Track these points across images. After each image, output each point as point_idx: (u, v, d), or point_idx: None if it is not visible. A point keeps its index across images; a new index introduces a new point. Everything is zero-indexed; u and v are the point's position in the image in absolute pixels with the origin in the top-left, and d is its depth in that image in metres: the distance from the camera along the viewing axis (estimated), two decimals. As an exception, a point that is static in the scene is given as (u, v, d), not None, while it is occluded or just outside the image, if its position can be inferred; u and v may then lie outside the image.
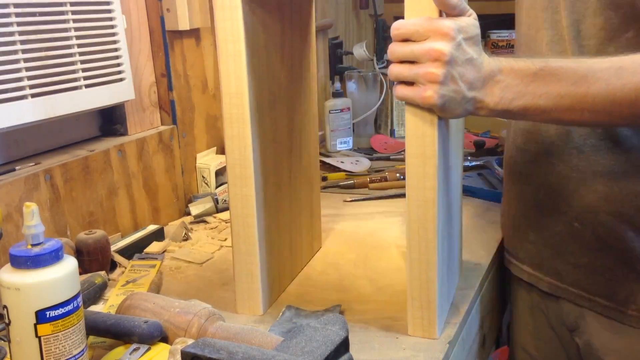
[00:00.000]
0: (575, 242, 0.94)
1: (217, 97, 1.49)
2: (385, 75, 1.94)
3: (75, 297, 0.67)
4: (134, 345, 0.75)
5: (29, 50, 1.00)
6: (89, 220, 1.14)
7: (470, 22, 0.73)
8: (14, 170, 1.03)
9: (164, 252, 1.15)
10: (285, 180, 0.99)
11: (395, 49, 0.73)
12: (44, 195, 1.05)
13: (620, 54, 0.76)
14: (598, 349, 0.95)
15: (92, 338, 0.79)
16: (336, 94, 1.84)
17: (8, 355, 0.69)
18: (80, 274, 0.91)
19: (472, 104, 0.75)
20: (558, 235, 0.96)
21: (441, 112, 0.73)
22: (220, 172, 1.44)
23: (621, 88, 0.74)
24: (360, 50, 1.99)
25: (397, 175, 1.51)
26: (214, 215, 1.32)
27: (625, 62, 0.75)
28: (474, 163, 1.60)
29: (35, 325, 0.65)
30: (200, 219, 1.32)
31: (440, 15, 0.72)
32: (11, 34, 0.97)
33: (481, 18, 0.77)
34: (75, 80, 1.09)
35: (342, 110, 1.81)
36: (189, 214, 1.34)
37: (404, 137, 1.92)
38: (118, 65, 1.18)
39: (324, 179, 1.56)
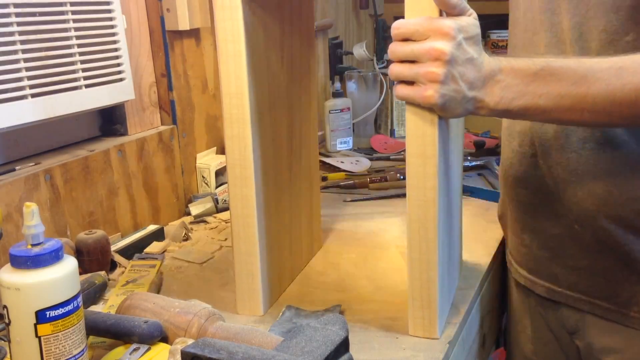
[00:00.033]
0: (575, 245, 0.94)
1: (217, 97, 1.49)
2: (385, 75, 1.94)
3: (75, 297, 0.67)
4: (134, 345, 0.75)
5: (29, 50, 1.00)
6: (89, 220, 1.14)
7: (470, 21, 0.73)
8: (14, 170, 1.03)
9: (164, 252, 1.15)
10: (285, 181, 0.99)
11: (395, 49, 0.73)
12: (44, 195, 1.05)
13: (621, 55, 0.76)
14: (599, 351, 0.95)
15: (92, 338, 0.79)
16: (336, 94, 1.84)
17: (8, 355, 0.69)
18: (80, 274, 0.91)
19: (472, 104, 0.75)
20: (556, 238, 0.96)
21: (441, 112, 0.73)
22: (220, 172, 1.44)
23: (621, 88, 0.74)
24: (360, 50, 1.99)
25: (397, 175, 1.51)
26: (214, 215, 1.32)
27: (626, 62, 0.75)
28: (474, 163, 1.60)
29: (35, 325, 0.65)
30: (200, 219, 1.32)
31: (441, 14, 0.72)
32: (11, 34, 0.97)
33: (481, 18, 0.77)
34: (75, 80, 1.09)
35: (342, 110, 1.81)
36: (189, 214, 1.34)
37: (404, 137, 1.92)
38: (118, 65, 1.18)
39: (324, 179, 1.56)
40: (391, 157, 1.76)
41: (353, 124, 1.87)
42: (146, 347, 0.74)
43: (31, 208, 0.65)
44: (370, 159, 1.72)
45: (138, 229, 1.23)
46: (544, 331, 1.04)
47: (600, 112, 0.76)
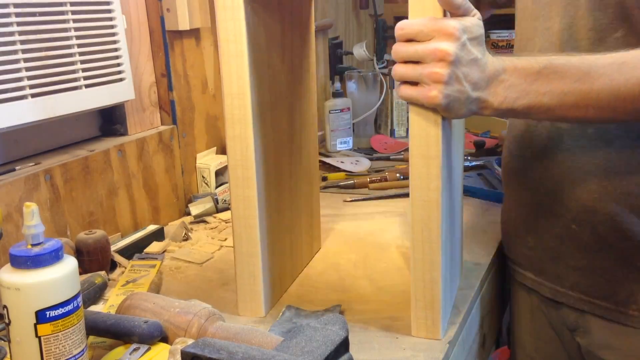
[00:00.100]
0: (574, 245, 0.94)
1: (217, 97, 1.49)
2: (385, 75, 1.94)
3: (75, 297, 0.67)
4: (134, 345, 0.75)
5: (29, 50, 1.00)
6: (89, 220, 1.14)
7: (474, 22, 0.73)
8: (14, 170, 1.03)
9: (164, 252, 1.15)
10: (286, 181, 0.99)
11: (399, 49, 0.73)
12: (44, 195, 1.05)
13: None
14: (599, 349, 0.95)
15: (92, 338, 0.79)
16: (336, 94, 1.84)
17: (8, 355, 0.69)
18: (80, 274, 0.91)
19: (476, 104, 0.75)
20: (556, 238, 0.96)
21: (445, 112, 0.73)
22: (220, 172, 1.44)
23: (625, 83, 0.74)
24: (360, 50, 1.99)
25: (397, 175, 1.51)
26: (214, 215, 1.33)
27: (627, 57, 0.75)
28: (474, 163, 1.60)
29: (35, 325, 0.65)
30: (200, 219, 1.32)
31: (445, 15, 0.72)
32: (11, 34, 0.97)
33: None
34: (75, 80, 1.09)
35: (342, 110, 1.81)
36: (189, 214, 1.34)
37: (404, 137, 1.94)
38: (118, 65, 1.18)
39: (324, 179, 1.56)
40: (391, 157, 1.76)
41: (353, 124, 1.87)
42: (146, 347, 0.74)
43: (31, 208, 0.65)
44: (370, 159, 1.72)
45: (138, 229, 1.23)
46: (546, 329, 1.04)
47: (604, 108, 0.76)
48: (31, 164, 1.06)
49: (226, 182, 1.45)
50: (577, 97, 0.75)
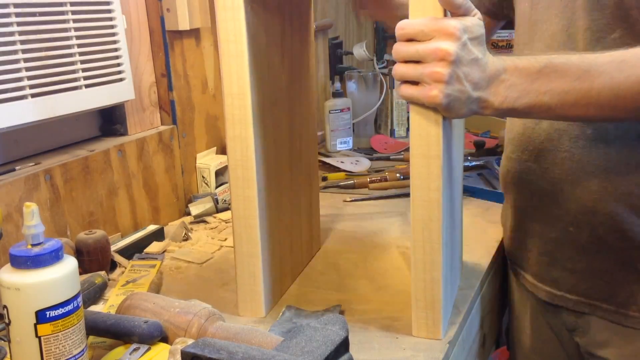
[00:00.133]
0: (572, 247, 0.94)
1: (217, 97, 1.49)
2: (385, 75, 1.94)
3: (75, 297, 0.67)
4: (134, 345, 0.75)
5: (29, 50, 1.00)
6: (89, 220, 1.14)
7: (475, 22, 0.73)
8: (14, 170, 1.03)
9: (164, 252, 1.15)
10: (286, 181, 0.99)
11: (400, 49, 0.73)
12: (44, 195, 1.05)
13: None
14: (599, 348, 0.95)
15: (92, 338, 0.79)
16: (336, 94, 1.84)
17: (8, 355, 0.69)
18: (80, 274, 0.91)
19: (476, 104, 0.75)
20: (554, 241, 0.96)
21: (446, 112, 0.73)
22: (220, 172, 1.44)
23: (624, 81, 0.74)
24: (360, 50, 1.99)
25: (397, 175, 1.51)
26: (214, 215, 1.33)
27: (627, 55, 0.75)
28: (474, 163, 1.60)
29: (35, 325, 0.65)
30: (200, 219, 1.32)
31: (445, 15, 0.72)
32: (11, 34, 0.97)
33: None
34: (75, 80, 1.09)
35: (342, 110, 1.81)
36: (189, 214, 1.34)
37: (404, 137, 1.94)
38: (118, 65, 1.18)
39: (324, 179, 1.56)
40: (391, 157, 1.76)
41: (353, 124, 1.87)
42: (146, 347, 0.74)
43: (31, 208, 0.65)
44: (370, 159, 1.72)
45: (138, 229, 1.23)
46: (544, 329, 1.04)
47: (604, 106, 0.76)
48: (31, 164, 1.06)
49: (226, 182, 1.45)
50: (577, 96, 0.75)
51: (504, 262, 1.15)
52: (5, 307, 0.66)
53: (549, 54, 0.86)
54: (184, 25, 1.31)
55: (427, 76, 0.71)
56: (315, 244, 1.14)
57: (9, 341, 0.67)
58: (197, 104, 1.43)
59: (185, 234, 1.23)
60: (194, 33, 1.40)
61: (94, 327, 0.77)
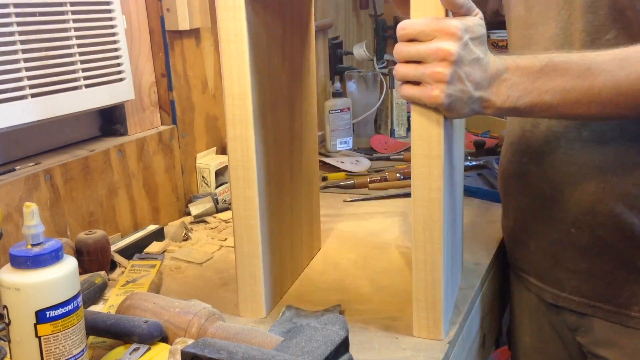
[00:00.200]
0: (573, 249, 0.94)
1: (217, 97, 1.49)
2: (385, 75, 1.94)
3: (75, 297, 0.67)
4: (134, 345, 0.75)
5: (29, 50, 1.00)
6: (89, 220, 1.14)
7: (476, 21, 0.73)
8: (14, 170, 1.03)
9: (164, 252, 1.15)
10: (286, 181, 0.99)
11: (401, 49, 0.73)
12: (44, 195, 1.05)
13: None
14: (602, 348, 0.95)
15: (92, 338, 0.79)
16: (336, 94, 1.85)
17: (8, 355, 0.69)
18: (80, 274, 0.91)
19: (478, 104, 0.74)
20: (556, 243, 0.96)
21: (447, 112, 0.73)
22: (220, 172, 1.44)
23: (626, 78, 0.74)
24: (360, 50, 1.99)
25: (397, 175, 1.51)
26: (214, 215, 1.33)
27: (628, 53, 0.75)
28: (474, 163, 1.60)
29: (35, 325, 0.65)
30: (200, 219, 1.32)
31: (446, 14, 0.72)
32: (11, 34, 0.97)
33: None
34: (75, 80, 1.09)
35: (342, 110, 1.81)
36: (189, 214, 1.34)
37: (404, 137, 1.94)
38: (118, 65, 1.18)
39: (324, 179, 1.56)
40: (391, 157, 1.76)
41: (353, 124, 1.87)
42: (146, 347, 0.74)
43: (31, 208, 0.65)
44: (370, 159, 1.72)
45: (138, 229, 1.23)
46: (546, 329, 1.04)
47: (606, 104, 0.76)
48: (31, 164, 1.06)
49: (226, 182, 1.45)
50: (579, 94, 0.75)
51: (504, 262, 1.15)
52: (5, 307, 0.66)
53: (550, 52, 0.86)
54: (184, 25, 1.31)
55: (429, 76, 0.71)
56: (316, 244, 1.14)
57: (9, 341, 0.67)
58: (197, 104, 1.43)
59: (185, 234, 1.23)
60: (194, 33, 1.40)
61: (94, 327, 0.77)
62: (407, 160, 1.70)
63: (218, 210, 1.33)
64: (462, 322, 0.89)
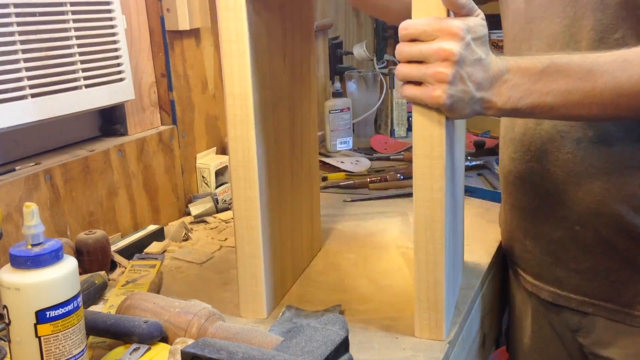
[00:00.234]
0: (576, 247, 0.94)
1: (217, 97, 1.49)
2: (385, 75, 1.94)
3: (75, 297, 0.67)
4: (134, 345, 0.75)
5: (29, 50, 1.00)
6: (89, 220, 1.14)
7: (478, 22, 0.73)
8: (14, 170, 1.03)
9: (164, 252, 1.15)
10: (287, 181, 0.99)
11: (403, 49, 0.73)
12: (44, 195, 1.05)
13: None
14: (603, 348, 0.95)
15: (92, 338, 0.79)
16: (336, 94, 1.85)
17: (8, 355, 0.69)
18: (80, 274, 0.91)
19: (480, 104, 0.74)
20: (557, 241, 0.96)
21: (449, 113, 0.73)
22: (220, 172, 1.44)
23: (627, 80, 0.74)
24: (360, 50, 1.99)
25: (397, 175, 1.51)
26: (214, 215, 1.32)
27: (629, 54, 0.75)
28: (474, 163, 1.60)
29: (35, 325, 0.65)
30: (200, 219, 1.32)
31: (448, 15, 0.72)
32: (11, 34, 0.97)
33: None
34: (75, 80, 1.09)
35: (342, 110, 1.81)
36: (189, 214, 1.34)
37: (404, 137, 1.94)
38: (118, 65, 1.18)
39: (324, 179, 1.56)
40: (391, 157, 1.76)
41: (353, 124, 1.87)
42: (146, 347, 0.74)
43: (31, 208, 0.65)
44: (370, 159, 1.72)
45: (138, 229, 1.23)
46: (547, 329, 1.04)
47: (608, 106, 0.76)
48: (31, 164, 1.06)
49: (226, 182, 1.45)
50: (580, 96, 0.75)
51: (504, 262, 1.15)
52: (5, 307, 0.66)
53: (551, 53, 0.85)
54: (184, 25, 1.31)
55: (431, 76, 0.71)
56: (316, 245, 1.14)
57: (9, 341, 0.67)
58: (197, 104, 1.43)
59: (185, 234, 1.23)
60: (194, 33, 1.40)
61: (94, 327, 0.77)
62: (407, 160, 1.70)
63: (218, 210, 1.33)
64: (462, 322, 0.89)
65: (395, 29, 0.74)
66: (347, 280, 1.03)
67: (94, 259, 1.02)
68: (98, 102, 1.14)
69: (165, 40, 1.31)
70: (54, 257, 0.66)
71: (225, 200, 1.38)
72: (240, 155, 0.85)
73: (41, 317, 0.65)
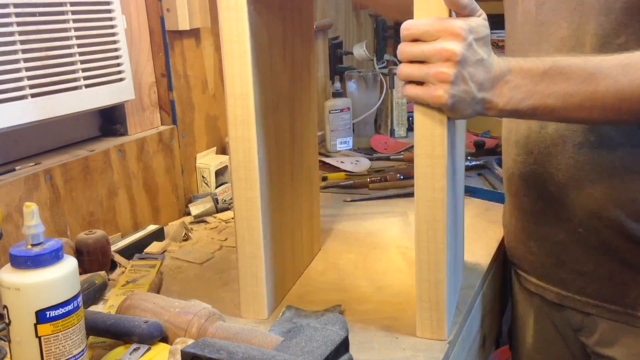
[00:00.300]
0: (580, 249, 0.94)
1: (217, 97, 1.49)
2: (385, 75, 1.94)
3: (75, 297, 0.67)
4: (134, 345, 0.75)
5: (29, 50, 1.00)
6: (89, 220, 1.14)
7: (480, 22, 0.73)
8: (14, 170, 1.03)
9: (164, 252, 1.15)
10: (287, 182, 0.98)
11: (405, 49, 0.73)
12: (44, 195, 1.05)
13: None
14: (606, 347, 0.95)
15: (92, 338, 0.79)
16: (336, 94, 1.84)
17: (8, 355, 0.69)
18: (80, 274, 0.91)
19: (481, 105, 0.74)
20: (561, 243, 0.96)
21: (450, 113, 0.73)
22: (220, 172, 1.44)
23: (629, 84, 0.74)
24: (360, 50, 1.99)
25: (397, 175, 1.51)
26: (214, 215, 1.32)
27: (632, 58, 0.75)
28: (474, 163, 1.60)
29: (35, 325, 0.65)
30: (200, 219, 1.32)
31: (450, 15, 0.72)
32: (11, 34, 0.97)
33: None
34: (75, 80, 1.09)
35: (342, 110, 1.81)
36: (189, 214, 1.34)
37: (404, 137, 1.94)
38: (118, 65, 1.18)
39: (324, 179, 1.56)
40: (391, 157, 1.76)
41: (353, 124, 1.86)
42: (146, 347, 0.74)
43: (31, 208, 0.65)
44: (370, 159, 1.72)
45: (138, 229, 1.23)
46: (549, 329, 1.04)
47: (609, 109, 0.76)
48: (31, 164, 1.06)
49: (226, 182, 1.45)
50: (581, 98, 0.75)
51: (505, 262, 1.15)
52: (5, 307, 0.66)
53: (555, 56, 0.86)
54: (184, 25, 1.31)
55: (433, 76, 0.71)
56: (316, 245, 1.14)
57: (9, 341, 0.67)
58: (197, 104, 1.43)
59: (185, 234, 1.23)
60: (194, 33, 1.40)
61: (94, 327, 0.77)
62: (407, 160, 1.70)
63: (218, 210, 1.33)
64: (462, 322, 0.89)
65: (396, 29, 0.74)
66: (347, 280, 1.03)
67: (94, 259, 1.02)
68: (98, 102, 1.14)
69: (165, 40, 1.31)
70: (54, 257, 0.66)
71: (225, 200, 1.38)
72: (241, 156, 0.85)
73: (41, 317, 0.65)
